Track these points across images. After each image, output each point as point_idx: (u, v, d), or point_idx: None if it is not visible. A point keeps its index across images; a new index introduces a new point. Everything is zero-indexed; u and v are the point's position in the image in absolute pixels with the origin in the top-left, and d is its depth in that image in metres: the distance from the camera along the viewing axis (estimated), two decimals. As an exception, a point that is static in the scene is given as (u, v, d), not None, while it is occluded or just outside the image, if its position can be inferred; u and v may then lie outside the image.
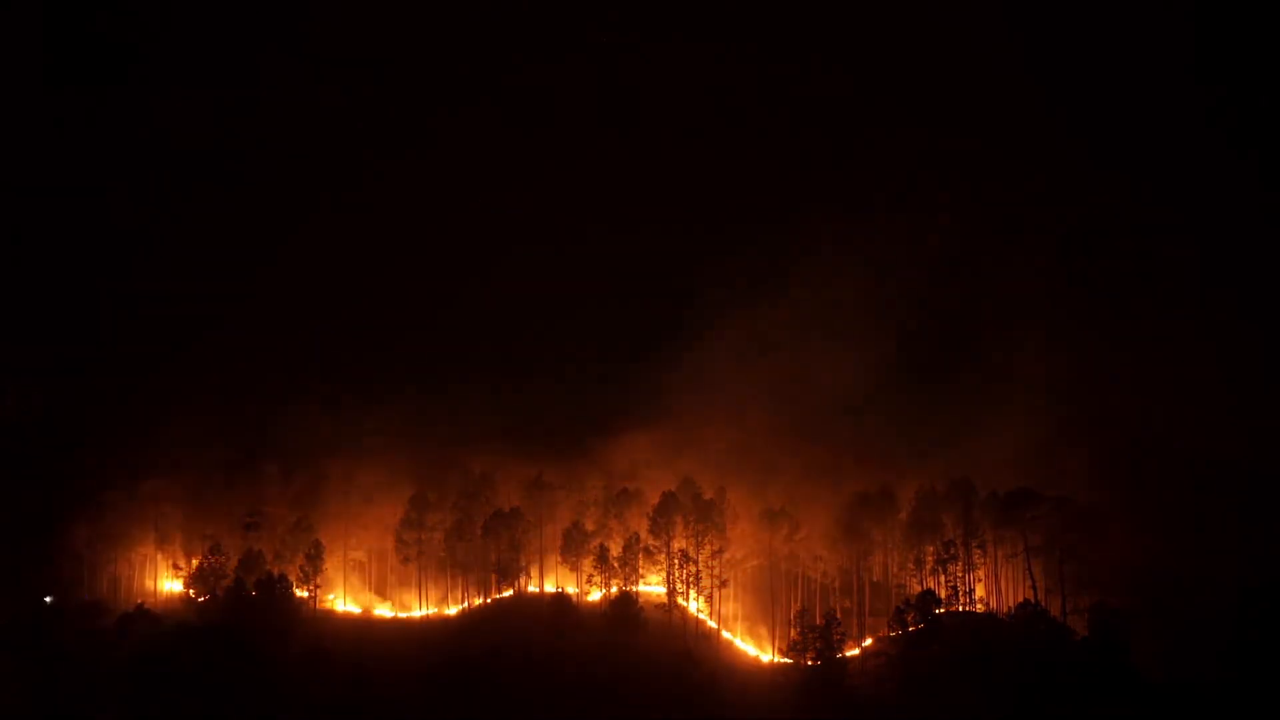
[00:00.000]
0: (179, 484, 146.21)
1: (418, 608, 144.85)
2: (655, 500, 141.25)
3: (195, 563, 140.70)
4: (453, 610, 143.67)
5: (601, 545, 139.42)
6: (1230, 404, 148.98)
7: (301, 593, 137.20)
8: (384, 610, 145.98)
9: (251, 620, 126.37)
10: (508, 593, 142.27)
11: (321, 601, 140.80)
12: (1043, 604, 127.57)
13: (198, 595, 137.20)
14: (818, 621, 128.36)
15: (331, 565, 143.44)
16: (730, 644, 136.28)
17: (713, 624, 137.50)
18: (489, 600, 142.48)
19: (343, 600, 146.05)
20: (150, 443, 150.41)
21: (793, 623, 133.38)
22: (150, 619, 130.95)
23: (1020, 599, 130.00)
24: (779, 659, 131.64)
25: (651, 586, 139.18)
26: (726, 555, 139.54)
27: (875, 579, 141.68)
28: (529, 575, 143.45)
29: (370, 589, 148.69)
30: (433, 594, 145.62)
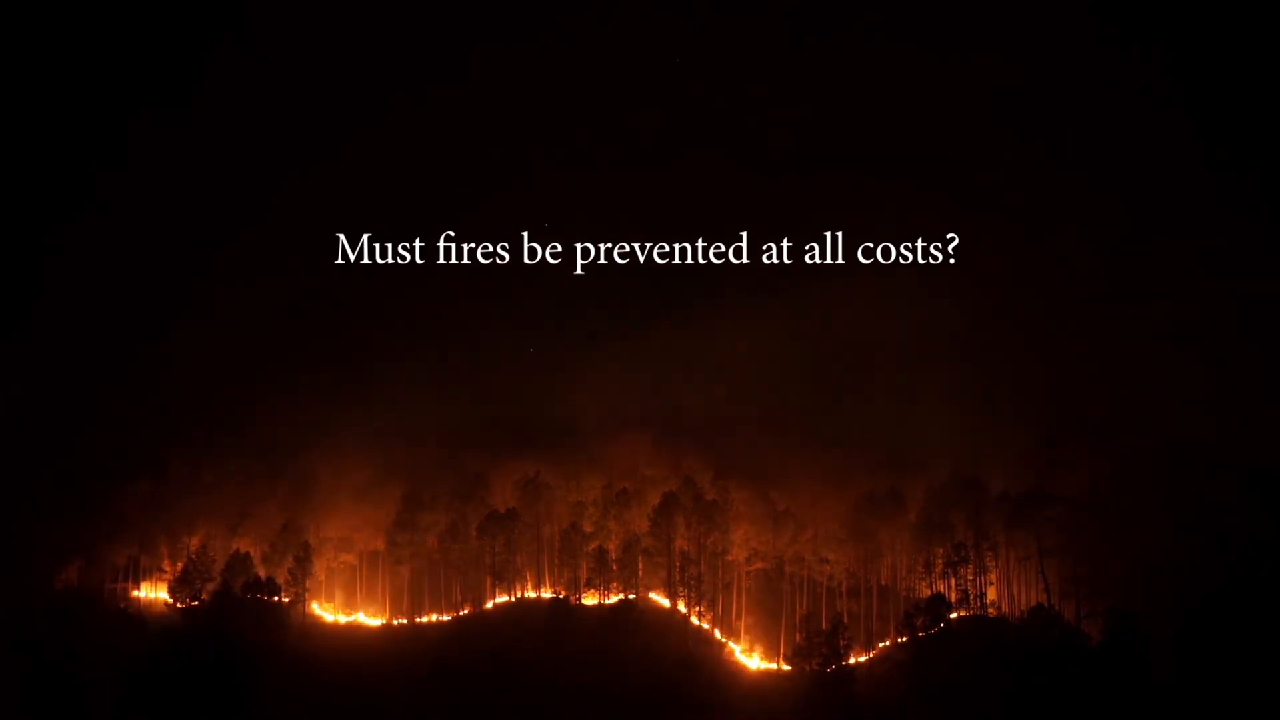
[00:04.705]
0: (163, 484, 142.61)
1: (412, 612, 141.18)
2: (655, 500, 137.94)
3: (180, 566, 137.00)
4: (446, 615, 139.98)
5: (600, 547, 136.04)
6: (1239, 403, 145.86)
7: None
8: (367, 616, 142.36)
9: (239, 624, 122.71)
10: (503, 597, 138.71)
11: (308, 606, 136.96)
12: (1056, 608, 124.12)
13: (178, 600, 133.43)
14: (824, 626, 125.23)
15: (321, 568, 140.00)
16: (733, 649, 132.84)
17: (713, 628, 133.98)
18: (485, 604, 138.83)
19: (331, 607, 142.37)
20: (135, 442, 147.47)
21: (798, 627, 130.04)
22: (135, 623, 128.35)
23: (1033, 603, 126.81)
24: (784, 665, 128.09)
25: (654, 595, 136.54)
26: (729, 557, 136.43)
27: (883, 582, 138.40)
28: (525, 578, 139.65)
29: (361, 592, 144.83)
30: (427, 597, 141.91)
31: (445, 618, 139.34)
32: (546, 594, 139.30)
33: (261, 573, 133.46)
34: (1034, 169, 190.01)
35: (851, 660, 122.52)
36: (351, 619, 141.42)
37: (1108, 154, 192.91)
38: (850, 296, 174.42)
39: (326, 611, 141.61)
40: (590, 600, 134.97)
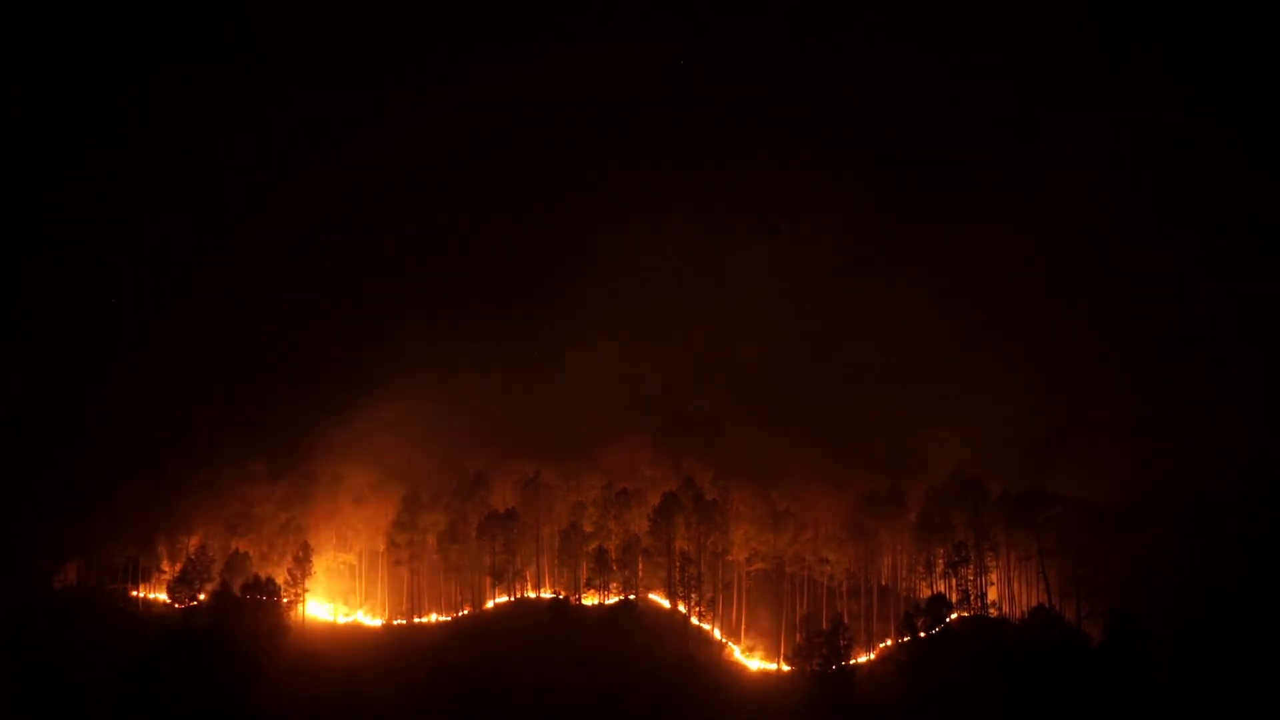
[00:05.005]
0: (163, 484, 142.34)
1: (412, 612, 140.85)
2: (655, 500, 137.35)
3: (179, 566, 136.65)
4: (446, 616, 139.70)
5: (600, 547, 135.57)
6: (1239, 403, 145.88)
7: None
8: (367, 616, 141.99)
9: (238, 625, 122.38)
10: (503, 597, 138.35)
11: (307, 606, 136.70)
12: (1057, 608, 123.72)
13: (177, 600, 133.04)
14: (824, 626, 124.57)
15: (321, 568, 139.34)
16: (733, 649, 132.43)
17: (713, 628, 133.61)
18: (485, 605, 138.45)
19: (331, 607, 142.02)
20: (135, 442, 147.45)
21: (798, 627, 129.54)
22: (134, 623, 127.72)
23: (1034, 603, 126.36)
24: (784, 665, 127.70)
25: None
26: (729, 557, 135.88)
27: (884, 582, 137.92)
28: (525, 578, 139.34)
29: (361, 592, 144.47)
30: (426, 598, 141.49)
31: (445, 618, 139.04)
32: (546, 594, 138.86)
33: (260, 573, 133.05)
34: (1034, 169, 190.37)
35: (851, 660, 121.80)
36: (351, 619, 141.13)
37: (1107, 154, 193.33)
38: (850, 296, 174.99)
39: (326, 611, 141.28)
40: (590, 601, 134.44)
